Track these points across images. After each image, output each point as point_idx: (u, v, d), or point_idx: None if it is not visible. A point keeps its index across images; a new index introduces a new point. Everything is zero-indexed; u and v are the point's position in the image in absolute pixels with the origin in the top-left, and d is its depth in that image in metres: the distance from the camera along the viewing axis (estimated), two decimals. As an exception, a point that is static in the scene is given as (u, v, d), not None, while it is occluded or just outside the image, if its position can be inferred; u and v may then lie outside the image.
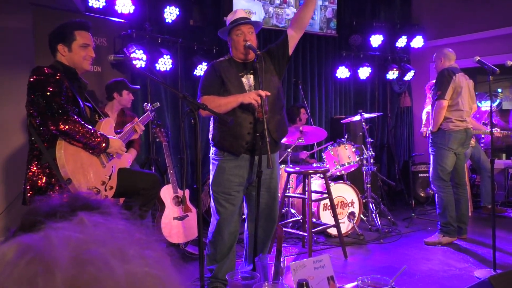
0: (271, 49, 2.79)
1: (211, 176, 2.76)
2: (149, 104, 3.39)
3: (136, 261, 0.40)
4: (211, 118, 2.79)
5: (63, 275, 0.36)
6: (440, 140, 3.94)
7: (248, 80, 2.66)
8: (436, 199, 4.06)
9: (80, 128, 2.19)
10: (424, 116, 5.24)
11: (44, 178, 2.20)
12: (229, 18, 2.70)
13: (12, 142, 3.89)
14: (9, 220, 3.70)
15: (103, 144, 2.30)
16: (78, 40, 2.36)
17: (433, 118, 3.98)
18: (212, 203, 2.76)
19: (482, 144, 5.29)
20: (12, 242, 0.39)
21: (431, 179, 4.14)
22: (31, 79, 2.21)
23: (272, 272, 1.42)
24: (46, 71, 2.22)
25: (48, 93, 2.17)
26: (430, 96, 5.24)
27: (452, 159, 3.95)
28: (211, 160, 2.77)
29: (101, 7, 4.05)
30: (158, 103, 3.54)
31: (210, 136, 2.75)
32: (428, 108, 5.30)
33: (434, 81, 4.08)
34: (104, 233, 0.42)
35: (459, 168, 4.05)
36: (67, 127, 2.15)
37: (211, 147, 2.76)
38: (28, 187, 2.22)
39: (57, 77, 2.22)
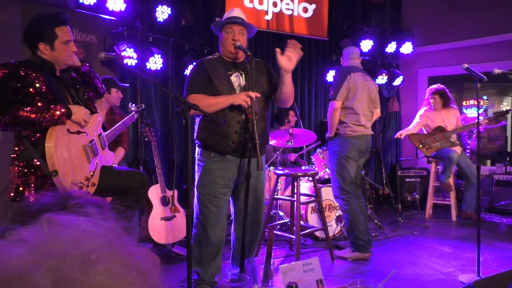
0: (270, 69, 2.79)
1: (196, 177, 2.72)
2: (133, 105, 3.37)
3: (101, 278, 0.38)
4: (196, 117, 2.74)
5: None
6: (338, 147, 3.57)
7: (238, 79, 2.64)
8: (343, 214, 3.71)
9: (25, 113, 2.06)
10: (416, 117, 5.34)
11: (23, 176, 2.15)
12: (225, 15, 2.68)
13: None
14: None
15: (60, 114, 2.14)
16: (60, 37, 2.23)
17: (328, 122, 3.62)
18: (196, 205, 2.71)
19: (467, 152, 5.37)
20: None
21: (333, 193, 3.75)
22: None
23: (261, 274, 1.41)
24: (4, 70, 2.13)
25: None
26: (428, 99, 5.33)
27: (354, 166, 3.58)
28: (196, 161, 2.71)
29: (92, 3, 4.02)
30: (143, 105, 3.51)
31: (195, 135, 2.70)
32: (421, 111, 5.38)
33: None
34: (67, 242, 0.39)
35: (358, 176, 3.69)
36: (7, 117, 2.04)
37: (197, 148, 2.72)
38: (11, 183, 2.18)
39: (21, 73, 2.13)
